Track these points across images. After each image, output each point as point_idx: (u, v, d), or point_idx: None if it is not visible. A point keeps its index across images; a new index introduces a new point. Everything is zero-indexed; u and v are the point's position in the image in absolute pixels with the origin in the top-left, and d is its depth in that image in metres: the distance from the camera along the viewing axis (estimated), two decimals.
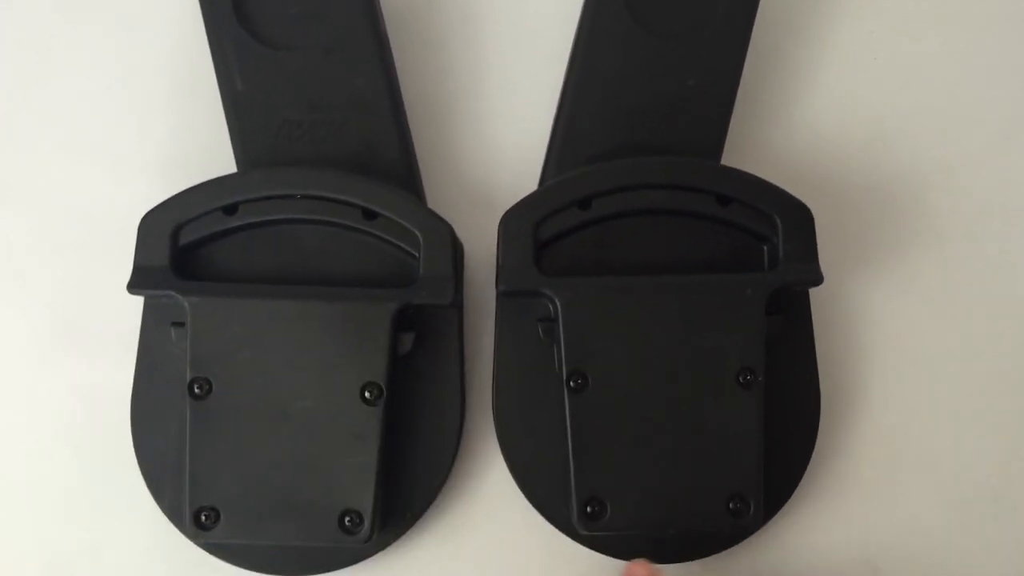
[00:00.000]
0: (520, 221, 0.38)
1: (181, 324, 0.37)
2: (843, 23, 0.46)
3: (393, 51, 0.42)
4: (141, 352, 0.39)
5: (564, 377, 0.37)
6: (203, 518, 0.36)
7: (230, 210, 0.38)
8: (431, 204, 0.40)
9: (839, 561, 0.39)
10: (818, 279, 0.37)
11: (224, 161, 0.41)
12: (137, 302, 0.39)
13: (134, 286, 0.37)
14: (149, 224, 0.38)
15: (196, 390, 0.36)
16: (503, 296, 0.39)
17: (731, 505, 0.36)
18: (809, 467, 0.39)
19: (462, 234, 0.39)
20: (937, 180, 0.43)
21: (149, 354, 0.39)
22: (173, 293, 0.37)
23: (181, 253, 0.38)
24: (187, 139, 0.44)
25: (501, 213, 0.38)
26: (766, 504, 0.37)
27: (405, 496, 0.38)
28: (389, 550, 0.38)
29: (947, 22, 0.46)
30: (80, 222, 0.43)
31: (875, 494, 0.40)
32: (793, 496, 0.39)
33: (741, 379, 0.36)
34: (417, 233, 0.38)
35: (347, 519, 0.36)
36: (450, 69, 0.45)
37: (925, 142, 0.44)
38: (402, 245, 0.38)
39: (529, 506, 0.38)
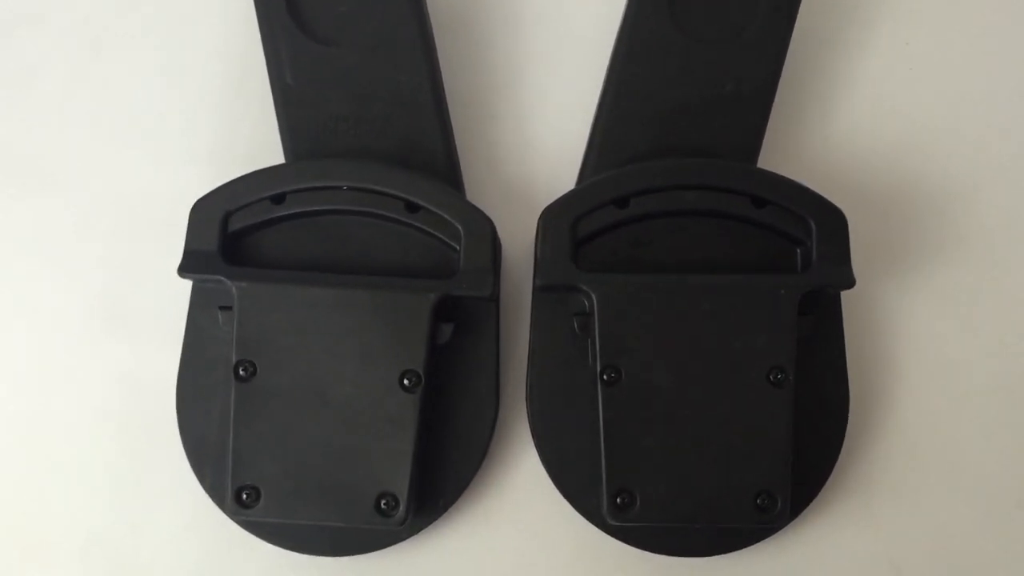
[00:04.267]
0: (559, 218, 0.39)
1: (228, 308, 0.38)
2: (880, 34, 0.47)
3: (438, 50, 0.43)
4: (188, 334, 0.40)
5: (598, 371, 0.37)
6: (244, 496, 0.37)
7: (278, 199, 0.39)
8: (471, 200, 0.41)
9: (863, 561, 0.40)
10: (850, 282, 0.38)
11: (272, 153, 0.42)
12: (182, 288, 0.40)
13: (184, 270, 0.38)
14: (200, 211, 0.39)
15: (241, 372, 0.37)
16: (540, 290, 0.39)
17: (759, 501, 0.37)
18: (836, 467, 0.39)
19: (501, 230, 0.40)
20: (969, 189, 0.44)
21: (196, 336, 0.40)
22: (222, 278, 0.38)
23: (230, 239, 0.39)
24: (236, 131, 0.45)
25: (539, 210, 0.39)
26: (793, 502, 0.37)
27: (439, 483, 0.39)
28: (422, 535, 0.39)
29: (981, 35, 0.46)
30: (130, 210, 0.44)
31: (900, 496, 0.40)
32: (820, 495, 0.39)
33: (772, 378, 0.37)
34: (458, 226, 0.39)
35: (383, 502, 0.37)
36: (492, 69, 0.46)
37: (959, 152, 0.45)
38: (443, 238, 0.39)
39: (560, 496, 0.39)
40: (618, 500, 0.37)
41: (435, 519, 0.39)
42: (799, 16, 0.42)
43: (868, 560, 0.40)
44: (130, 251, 0.43)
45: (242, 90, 0.45)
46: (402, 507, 0.37)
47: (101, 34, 0.46)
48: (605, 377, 0.37)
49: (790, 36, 0.42)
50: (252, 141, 0.44)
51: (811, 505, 0.39)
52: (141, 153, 0.45)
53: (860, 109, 0.45)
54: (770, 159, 0.42)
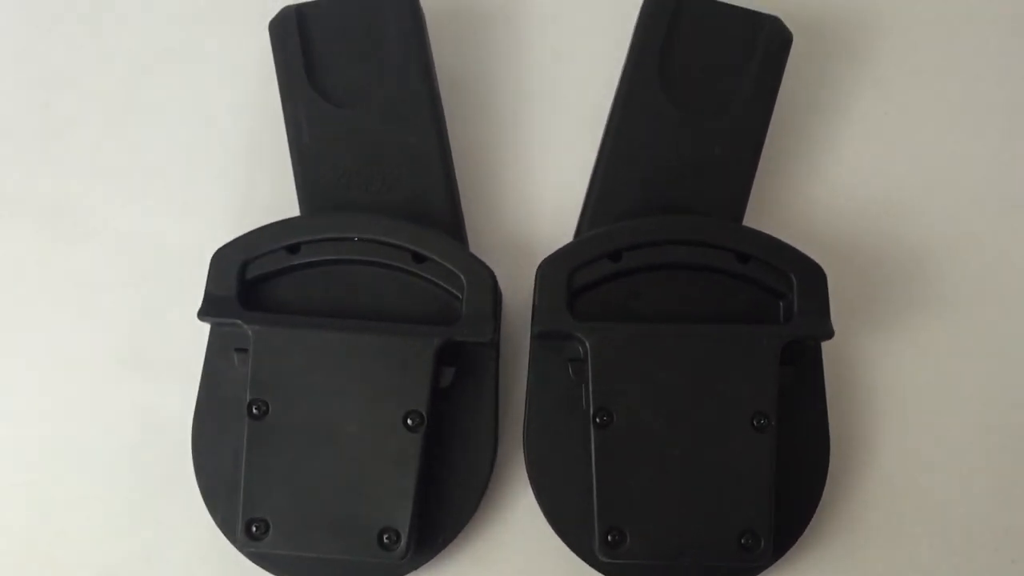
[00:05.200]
0: (556, 269, 0.41)
1: (243, 350, 0.40)
2: (860, 104, 0.49)
3: (445, 113, 0.45)
4: (205, 375, 0.42)
5: (591, 414, 0.39)
6: (254, 529, 0.38)
7: (293, 249, 0.41)
8: (474, 252, 0.43)
9: None
10: (829, 333, 0.40)
11: (288, 206, 0.44)
12: (200, 332, 0.42)
13: (204, 313, 0.40)
14: (220, 259, 0.41)
15: (254, 411, 0.39)
16: (537, 337, 0.41)
17: (743, 540, 0.38)
18: (818, 511, 0.41)
19: (502, 280, 0.42)
20: (944, 249, 0.46)
21: (212, 377, 0.42)
22: (239, 322, 0.40)
23: (247, 286, 0.41)
24: (255, 185, 0.47)
25: (538, 263, 0.41)
26: (777, 542, 0.39)
27: (439, 519, 0.40)
28: (422, 570, 0.40)
29: (955, 105, 0.49)
30: (153, 258, 0.46)
31: (880, 540, 0.42)
32: (803, 538, 0.41)
33: (755, 423, 0.39)
34: (461, 276, 0.41)
35: (385, 536, 0.38)
36: (496, 131, 0.49)
37: (933, 214, 0.47)
38: (447, 287, 0.41)
39: (554, 534, 0.40)
40: (609, 537, 0.38)
41: (435, 554, 0.40)
42: (784, 86, 0.45)
43: None
44: (152, 298, 0.46)
45: (262, 148, 0.48)
46: (403, 541, 0.38)
47: (132, 96, 0.49)
48: (598, 420, 0.39)
49: (773, 107, 0.44)
50: (270, 195, 0.47)
51: (795, 546, 0.41)
52: (167, 205, 0.47)
53: (841, 173, 0.48)
54: (756, 218, 0.45)
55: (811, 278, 0.41)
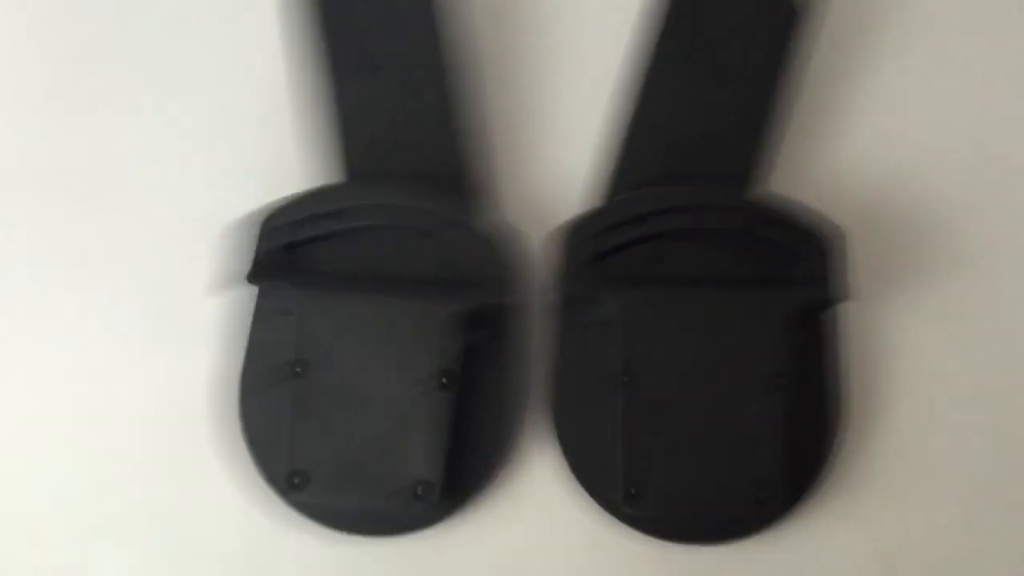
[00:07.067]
0: (583, 233, 0.42)
1: (286, 313, 0.42)
2: (885, 71, 0.50)
3: (470, 81, 0.47)
4: (249, 337, 0.43)
5: (618, 373, 0.41)
6: (295, 480, 0.40)
7: (334, 215, 0.43)
8: (501, 217, 0.45)
9: (857, 554, 0.43)
10: (846, 295, 0.41)
11: (316, 175, 0.46)
12: (234, 298, 0.44)
13: (253, 276, 0.42)
14: (265, 225, 0.43)
15: (297, 370, 0.41)
16: (565, 300, 0.43)
17: (758, 494, 0.40)
18: (833, 467, 0.42)
19: (529, 244, 0.44)
20: (964, 214, 0.47)
21: (256, 338, 0.43)
22: (287, 284, 0.42)
23: (290, 250, 0.43)
24: (281, 155, 0.48)
25: (564, 227, 0.43)
26: (791, 497, 0.41)
27: (469, 472, 0.42)
28: (453, 519, 0.42)
29: (978, 72, 0.50)
30: (178, 229, 0.48)
31: (893, 495, 0.43)
32: (817, 492, 0.42)
33: (772, 382, 0.40)
34: (490, 240, 0.42)
35: (419, 488, 0.40)
36: (522, 98, 0.50)
37: (956, 179, 0.48)
38: (478, 251, 0.42)
39: (579, 487, 0.42)
40: (632, 491, 0.40)
41: (466, 505, 0.42)
42: (810, 55, 0.46)
43: (862, 552, 0.43)
44: (177, 267, 0.47)
45: (289, 118, 0.49)
46: (436, 493, 0.40)
47: (163, 70, 0.51)
48: (624, 379, 0.41)
49: (795, 74, 0.45)
50: (291, 166, 0.48)
51: (809, 501, 0.42)
52: (196, 177, 0.49)
53: (866, 138, 0.49)
54: (782, 184, 0.46)
55: (831, 241, 0.42)
